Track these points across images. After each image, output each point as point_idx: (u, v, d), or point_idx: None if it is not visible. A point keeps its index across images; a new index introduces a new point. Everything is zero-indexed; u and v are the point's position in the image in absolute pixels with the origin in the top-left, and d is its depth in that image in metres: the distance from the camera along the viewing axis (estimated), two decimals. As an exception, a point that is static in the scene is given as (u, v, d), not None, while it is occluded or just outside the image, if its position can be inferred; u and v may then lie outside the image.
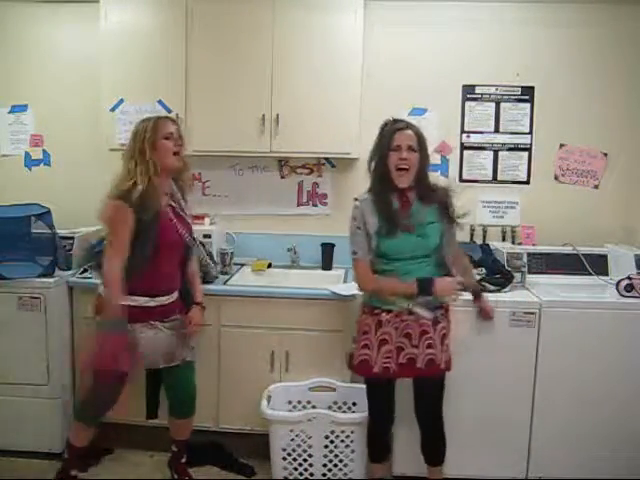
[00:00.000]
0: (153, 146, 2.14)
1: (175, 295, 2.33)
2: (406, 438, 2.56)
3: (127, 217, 2.06)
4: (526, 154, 3.13)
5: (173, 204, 2.28)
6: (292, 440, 2.46)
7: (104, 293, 2.13)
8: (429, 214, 2.18)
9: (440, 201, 2.19)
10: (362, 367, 2.22)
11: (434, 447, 2.30)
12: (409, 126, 2.16)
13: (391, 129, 2.15)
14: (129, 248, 2.08)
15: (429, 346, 2.16)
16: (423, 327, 2.16)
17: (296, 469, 2.49)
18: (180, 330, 2.32)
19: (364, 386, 2.65)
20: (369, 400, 2.31)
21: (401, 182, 2.13)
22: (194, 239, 2.38)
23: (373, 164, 2.20)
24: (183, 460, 2.50)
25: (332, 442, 2.46)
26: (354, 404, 2.67)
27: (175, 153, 2.18)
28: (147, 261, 2.12)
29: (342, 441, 2.46)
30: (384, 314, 2.16)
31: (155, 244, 2.13)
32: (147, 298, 2.19)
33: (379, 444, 2.36)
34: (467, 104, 3.13)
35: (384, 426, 2.33)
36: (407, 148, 2.12)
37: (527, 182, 3.15)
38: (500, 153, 3.14)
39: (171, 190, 2.28)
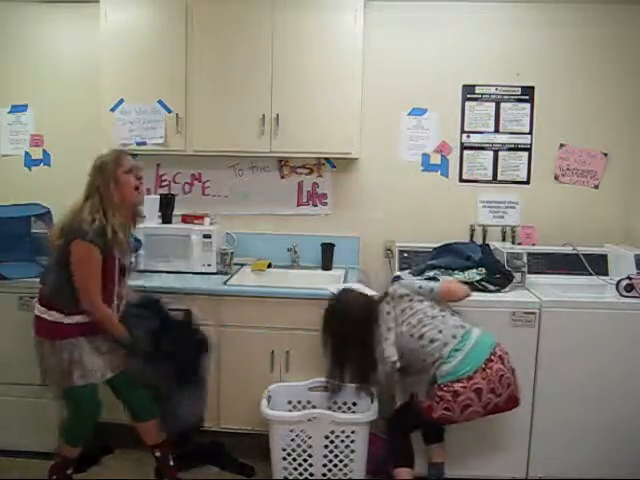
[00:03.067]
0: (116, 181, 2.18)
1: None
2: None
3: (98, 259, 2.16)
4: (526, 154, 3.13)
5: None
6: (292, 440, 2.46)
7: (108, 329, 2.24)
8: None
9: None
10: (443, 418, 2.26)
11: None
12: None
13: None
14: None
15: None
16: None
17: (296, 469, 2.49)
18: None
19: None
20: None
21: None
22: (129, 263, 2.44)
23: None
24: (171, 463, 2.46)
25: (332, 442, 2.46)
26: (354, 404, 2.67)
27: (136, 188, 2.22)
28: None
29: (342, 441, 2.45)
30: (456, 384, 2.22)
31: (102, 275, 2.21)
32: (83, 316, 2.23)
33: None
34: (467, 104, 3.13)
35: None
36: None
37: (527, 182, 3.15)
38: (500, 153, 3.14)
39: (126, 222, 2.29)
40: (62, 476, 2.36)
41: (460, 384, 2.14)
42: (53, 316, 2.21)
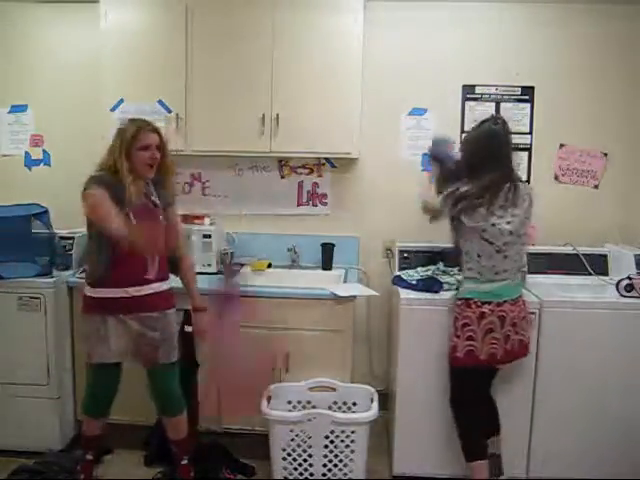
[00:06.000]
0: (128, 155, 2.20)
1: (149, 289, 2.28)
2: (406, 438, 2.56)
3: (105, 197, 2.13)
4: (526, 154, 3.13)
5: (147, 202, 2.27)
6: (292, 440, 2.46)
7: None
8: None
9: None
10: (469, 357, 2.29)
11: None
12: None
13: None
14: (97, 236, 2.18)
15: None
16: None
17: (296, 469, 2.49)
18: (154, 330, 2.28)
19: (364, 386, 2.67)
20: (470, 392, 2.37)
21: None
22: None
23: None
24: (184, 462, 2.45)
25: (332, 442, 2.46)
26: (354, 404, 2.67)
27: (149, 165, 2.22)
28: (111, 248, 2.16)
29: (342, 441, 2.45)
30: (485, 306, 2.27)
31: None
32: (116, 289, 2.22)
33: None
34: (467, 104, 3.13)
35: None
36: None
37: (527, 182, 3.14)
38: (500, 153, 3.14)
39: (146, 191, 2.27)
40: (84, 464, 2.42)
41: (488, 307, 2.25)
42: (85, 289, 2.28)
